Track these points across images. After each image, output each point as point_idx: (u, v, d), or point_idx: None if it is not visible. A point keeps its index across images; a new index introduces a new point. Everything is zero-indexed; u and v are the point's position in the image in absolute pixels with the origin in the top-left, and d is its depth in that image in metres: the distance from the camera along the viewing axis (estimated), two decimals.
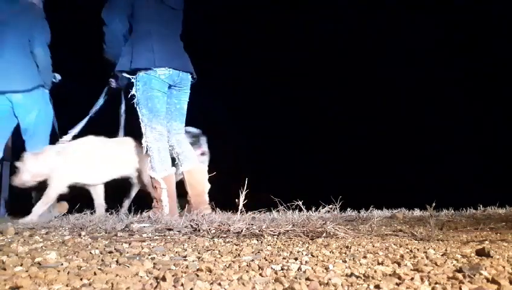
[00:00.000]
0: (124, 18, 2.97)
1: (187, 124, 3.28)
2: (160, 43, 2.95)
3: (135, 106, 2.97)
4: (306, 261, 1.21)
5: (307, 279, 0.98)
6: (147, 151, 2.94)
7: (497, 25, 6.54)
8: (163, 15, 3.04)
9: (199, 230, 1.98)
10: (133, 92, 2.96)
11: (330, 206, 2.26)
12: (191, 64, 3.14)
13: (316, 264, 1.16)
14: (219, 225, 2.01)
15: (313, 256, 1.31)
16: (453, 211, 3.63)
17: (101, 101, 3.45)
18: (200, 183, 3.04)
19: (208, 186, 3.09)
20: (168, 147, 3.02)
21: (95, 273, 1.04)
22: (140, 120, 2.96)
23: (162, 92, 2.97)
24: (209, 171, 3.24)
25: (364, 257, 1.28)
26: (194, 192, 3.02)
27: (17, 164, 3.08)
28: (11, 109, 3.21)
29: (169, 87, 3.05)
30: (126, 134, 3.52)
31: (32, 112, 3.24)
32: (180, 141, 3.10)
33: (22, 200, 3.53)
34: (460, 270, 1.04)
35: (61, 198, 3.37)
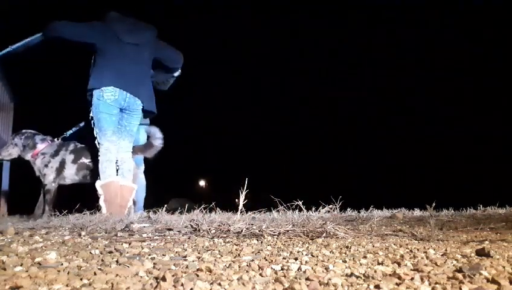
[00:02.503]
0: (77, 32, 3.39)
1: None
2: (114, 70, 3.39)
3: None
4: (306, 261, 1.21)
5: (307, 279, 0.98)
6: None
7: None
8: (122, 51, 3.45)
9: (199, 230, 1.98)
10: (91, 113, 3.42)
11: (330, 206, 2.26)
12: (147, 95, 3.57)
13: (316, 264, 1.16)
14: (219, 225, 2.01)
15: (313, 256, 1.31)
16: (453, 211, 3.63)
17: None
18: (124, 198, 3.36)
19: (130, 203, 3.41)
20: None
21: (95, 273, 1.04)
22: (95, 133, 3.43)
23: (109, 114, 3.39)
24: (209, 172, 3.31)
25: (364, 257, 1.28)
26: (119, 202, 3.33)
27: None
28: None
29: (121, 110, 3.48)
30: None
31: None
32: (123, 159, 3.50)
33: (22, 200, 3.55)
34: (460, 270, 1.04)
35: (61, 198, 3.43)
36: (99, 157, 3.36)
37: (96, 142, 3.42)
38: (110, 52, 3.41)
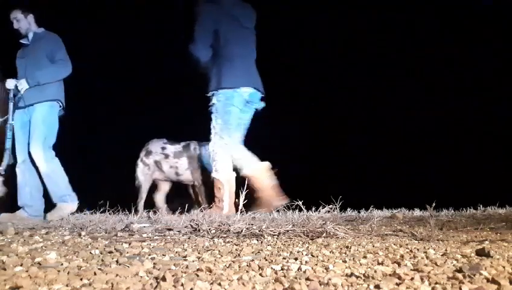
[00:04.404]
0: (208, 47, 3.30)
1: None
2: (242, 66, 3.31)
3: (212, 114, 3.30)
4: (306, 261, 1.21)
5: (307, 279, 0.98)
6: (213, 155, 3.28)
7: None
8: (242, 37, 3.36)
9: (199, 230, 1.98)
10: (213, 101, 3.28)
11: (330, 206, 2.26)
12: (261, 83, 3.47)
13: (316, 264, 1.16)
14: (219, 225, 2.01)
15: (313, 256, 1.31)
16: (453, 211, 3.63)
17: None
18: (263, 180, 3.24)
19: (271, 182, 3.27)
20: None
21: (95, 273, 1.04)
22: (212, 127, 3.30)
23: (238, 108, 3.30)
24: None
25: (364, 257, 1.28)
26: (261, 188, 3.21)
27: None
28: None
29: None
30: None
31: None
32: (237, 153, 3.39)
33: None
34: (460, 270, 1.04)
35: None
36: (216, 150, 3.26)
37: (214, 134, 3.30)
38: (236, 42, 3.30)
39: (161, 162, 3.94)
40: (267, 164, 3.31)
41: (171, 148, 3.97)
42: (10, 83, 3.54)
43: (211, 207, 3.20)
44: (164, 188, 4.09)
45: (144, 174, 3.96)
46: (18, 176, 3.54)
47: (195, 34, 3.26)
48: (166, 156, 3.95)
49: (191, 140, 4.11)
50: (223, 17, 3.29)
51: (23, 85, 3.50)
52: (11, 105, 3.57)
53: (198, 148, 4.01)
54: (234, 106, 3.27)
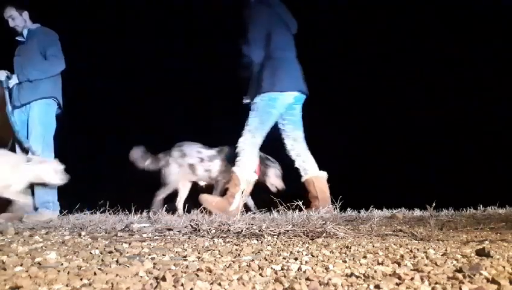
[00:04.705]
0: (261, 49, 3.33)
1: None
2: (291, 69, 3.39)
3: (251, 111, 3.35)
4: (306, 261, 1.21)
5: (307, 279, 0.98)
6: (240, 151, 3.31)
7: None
8: (289, 41, 3.46)
9: (199, 230, 1.98)
10: (256, 100, 3.34)
11: (330, 206, 2.26)
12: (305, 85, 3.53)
13: (316, 264, 1.16)
14: (219, 225, 2.01)
15: (313, 256, 1.31)
16: (453, 211, 3.62)
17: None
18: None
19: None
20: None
21: (95, 273, 1.04)
22: (246, 124, 3.34)
23: (279, 112, 3.37)
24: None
25: (364, 257, 1.28)
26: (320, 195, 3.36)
27: None
28: None
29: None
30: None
31: None
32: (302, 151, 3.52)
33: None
34: (460, 270, 1.04)
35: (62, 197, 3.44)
36: (244, 147, 3.29)
37: (247, 131, 3.33)
38: (284, 45, 3.38)
39: (196, 166, 3.99)
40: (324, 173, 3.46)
41: (207, 152, 4.02)
42: (1, 75, 3.51)
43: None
44: (185, 192, 4.12)
45: (175, 175, 3.98)
46: None
47: (249, 35, 3.30)
48: (202, 160, 3.99)
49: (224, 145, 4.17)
50: (274, 20, 3.36)
51: (13, 80, 3.49)
52: (6, 93, 3.53)
53: (232, 152, 4.05)
54: (275, 109, 3.33)
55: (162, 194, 3.91)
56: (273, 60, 3.34)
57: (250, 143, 3.29)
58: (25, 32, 3.65)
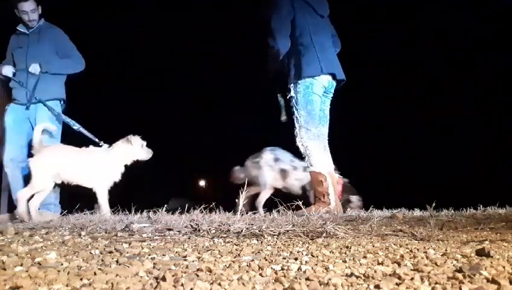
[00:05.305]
0: (287, 37, 3.20)
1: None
2: (320, 53, 3.21)
3: (293, 108, 3.23)
4: (306, 261, 1.21)
5: (307, 279, 0.98)
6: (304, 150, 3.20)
7: None
8: (317, 24, 3.30)
9: (199, 230, 1.98)
10: (292, 94, 3.22)
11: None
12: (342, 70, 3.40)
13: (316, 264, 1.16)
14: (219, 225, 2.01)
15: (313, 256, 1.31)
16: (453, 211, 3.62)
17: None
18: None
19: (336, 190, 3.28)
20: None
21: (95, 273, 1.04)
22: (295, 121, 3.22)
23: (319, 96, 3.22)
24: (210, 172, 3.34)
25: (364, 257, 1.28)
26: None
27: None
28: None
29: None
30: None
31: None
32: (325, 147, 3.32)
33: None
34: (460, 270, 1.04)
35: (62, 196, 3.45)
36: (307, 143, 3.17)
37: (299, 128, 3.22)
38: (311, 30, 3.24)
39: (288, 173, 3.98)
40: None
41: (300, 163, 4.01)
42: (8, 70, 3.51)
43: (314, 203, 3.07)
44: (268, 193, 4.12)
45: (270, 177, 4.00)
46: (8, 176, 3.50)
47: (272, 26, 3.16)
48: (295, 168, 3.99)
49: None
50: (297, 5, 3.23)
51: (35, 69, 3.47)
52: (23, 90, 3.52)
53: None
54: (315, 94, 3.18)
55: (262, 200, 3.90)
56: (298, 46, 3.22)
57: (308, 138, 3.17)
58: (34, 25, 3.63)
